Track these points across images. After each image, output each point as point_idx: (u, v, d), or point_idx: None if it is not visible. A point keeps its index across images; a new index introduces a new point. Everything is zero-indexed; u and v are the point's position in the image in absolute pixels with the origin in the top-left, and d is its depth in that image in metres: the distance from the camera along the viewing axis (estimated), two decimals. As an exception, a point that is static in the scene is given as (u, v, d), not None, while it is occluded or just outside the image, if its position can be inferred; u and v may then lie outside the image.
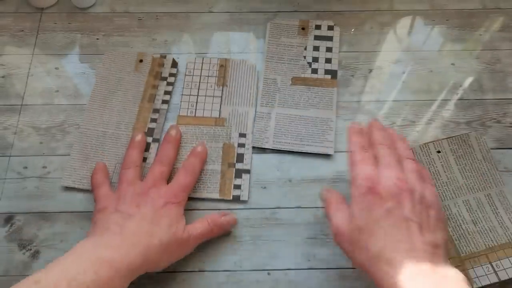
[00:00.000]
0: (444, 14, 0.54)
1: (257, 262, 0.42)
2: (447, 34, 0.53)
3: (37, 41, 0.53)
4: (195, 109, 0.48)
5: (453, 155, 0.45)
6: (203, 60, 0.50)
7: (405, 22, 0.54)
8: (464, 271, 0.40)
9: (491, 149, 0.46)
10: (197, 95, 0.48)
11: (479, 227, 0.42)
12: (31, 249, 0.42)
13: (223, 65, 0.50)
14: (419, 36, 0.53)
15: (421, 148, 0.45)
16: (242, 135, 0.46)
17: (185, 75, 0.50)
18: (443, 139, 0.45)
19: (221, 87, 0.49)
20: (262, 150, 0.46)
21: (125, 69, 0.49)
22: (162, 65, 0.50)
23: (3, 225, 0.43)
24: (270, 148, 0.46)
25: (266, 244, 0.42)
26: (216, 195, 0.44)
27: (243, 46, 0.53)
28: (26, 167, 0.46)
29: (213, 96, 0.48)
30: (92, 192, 0.42)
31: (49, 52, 0.52)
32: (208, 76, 0.49)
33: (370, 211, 0.33)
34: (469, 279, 0.40)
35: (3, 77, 0.51)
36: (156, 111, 0.47)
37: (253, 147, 0.46)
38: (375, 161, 0.36)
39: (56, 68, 0.51)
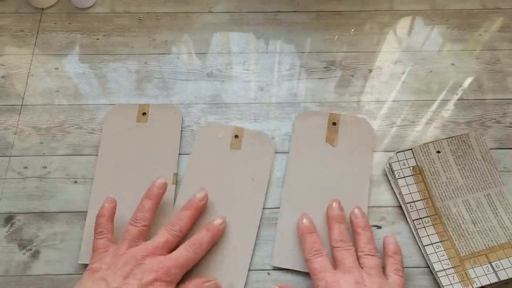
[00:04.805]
0: (444, 15, 0.54)
1: (257, 262, 0.42)
2: (447, 34, 0.53)
3: (37, 41, 0.53)
4: None
5: (452, 155, 0.45)
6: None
7: (405, 22, 0.54)
8: (463, 271, 0.40)
9: (491, 149, 0.46)
10: None
11: (478, 227, 0.42)
12: (31, 249, 0.42)
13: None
14: (419, 37, 0.53)
15: (420, 148, 0.45)
16: None
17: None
18: (442, 139, 0.45)
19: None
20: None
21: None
22: None
23: (3, 225, 0.43)
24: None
25: (266, 244, 0.42)
26: None
27: (243, 46, 0.53)
28: (26, 167, 0.46)
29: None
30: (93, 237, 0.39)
31: (49, 52, 0.52)
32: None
33: None
34: (469, 279, 0.40)
35: (3, 77, 0.51)
36: None
37: None
38: (332, 264, 0.38)
39: (56, 68, 0.51)
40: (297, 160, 0.45)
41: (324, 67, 0.51)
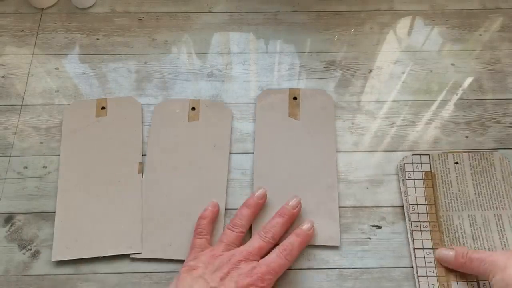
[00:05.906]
0: (444, 15, 0.54)
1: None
2: (447, 34, 0.53)
3: (37, 41, 0.53)
4: None
5: (471, 169, 0.44)
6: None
7: (405, 22, 0.54)
8: (447, 282, 0.39)
9: (491, 149, 0.46)
10: None
11: (477, 244, 0.41)
12: (31, 249, 0.42)
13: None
14: (419, 37, 0.53)
15: (439, 156, 0.44)
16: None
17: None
18: (464, 151, 0.45)
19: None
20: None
21: None
22: None
23: (3, 225, 0.43)
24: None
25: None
26: None
27: (243, 46, 0.53)
28: (26, 167, 0.46)
29: None
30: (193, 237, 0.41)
31: (49, 52, 0.52)
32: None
33: None
34: None
35: (3, 77, 0.51)
36: None
37: None
38: None
39: (56, 68, 0.51)
40: (263, 138, 0.46)
41: (324, 67, 0.51)
